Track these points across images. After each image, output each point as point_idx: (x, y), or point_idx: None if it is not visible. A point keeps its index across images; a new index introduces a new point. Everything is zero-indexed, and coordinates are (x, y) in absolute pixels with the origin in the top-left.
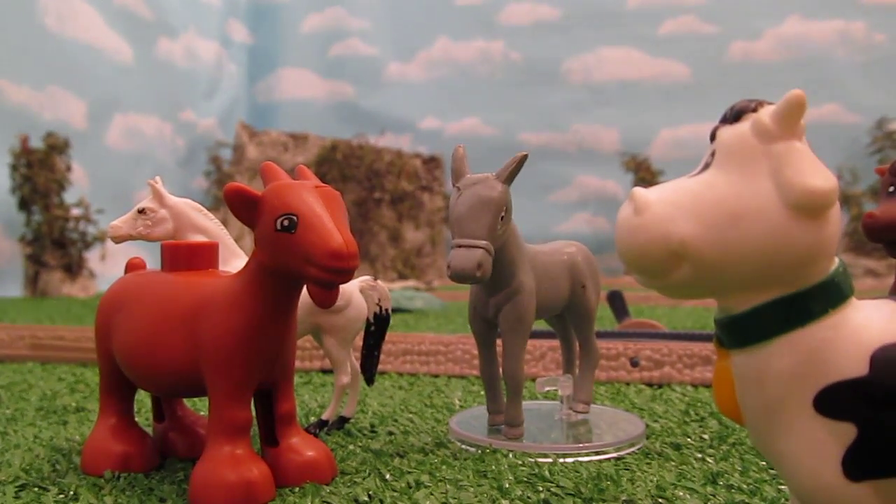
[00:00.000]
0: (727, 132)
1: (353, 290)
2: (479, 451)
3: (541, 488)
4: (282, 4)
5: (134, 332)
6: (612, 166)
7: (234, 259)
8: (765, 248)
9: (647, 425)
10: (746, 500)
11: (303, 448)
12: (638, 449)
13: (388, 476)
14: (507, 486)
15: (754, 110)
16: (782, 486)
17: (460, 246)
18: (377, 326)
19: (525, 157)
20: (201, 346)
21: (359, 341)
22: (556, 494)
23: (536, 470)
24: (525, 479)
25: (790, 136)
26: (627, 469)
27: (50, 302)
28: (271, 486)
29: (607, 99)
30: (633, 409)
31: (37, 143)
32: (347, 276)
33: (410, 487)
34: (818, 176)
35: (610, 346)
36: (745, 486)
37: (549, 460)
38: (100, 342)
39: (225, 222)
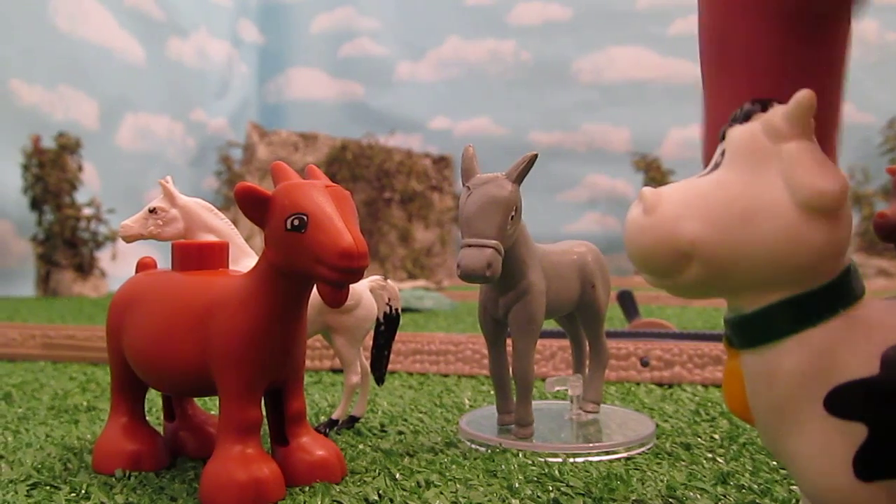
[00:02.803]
0: (737, 132)
1: (363, 289)
2: (489, 451)
3: (550, 488)
4: (292, 4)
5: (145, 331)
6: (622, 166)
7: (245, 258)
8: (775, 247)
9: (658, 425)
10: (757, 501)
11: (313, 447)
12: (648, 449)
13: (397, 475)
14: (516, 485)
15: (764, 110)
16: (793, 487)
17: (470, 245)
18: (387, 326)
19: (535, 157)
20: (211, 345)
21: (369, 341)
22: (567, 494)
23: (546, 469)
24: (535, 479)
25: (800, 135)
26: (637, 469)
27: (61, 301)
28: (281, 485)
29: (617, 99)
30: (643, 409)
31: (48, 143)
32: (357, 275)
33: (420, 487)
34: (828, 176)
35: (620, 346)
36: (755, 487)
37: (559, 460)
38: (111, 341)
39: (235, 222)
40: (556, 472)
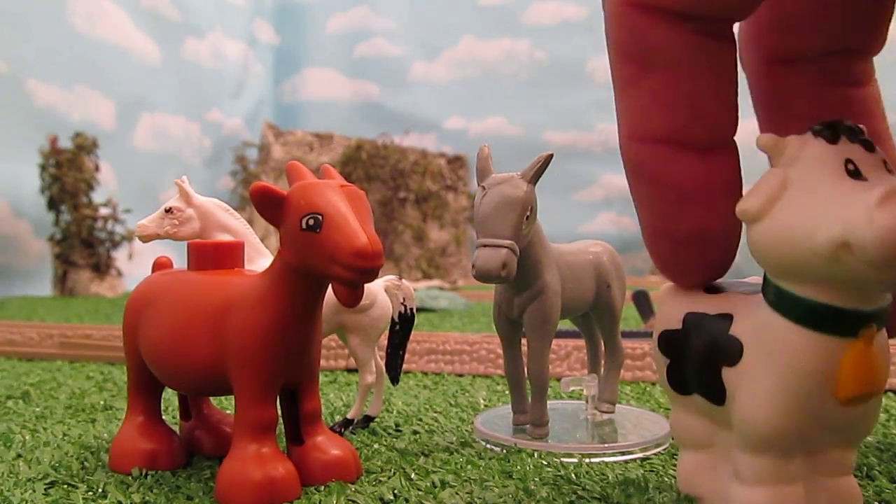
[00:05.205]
0: None
1: (377, 289)
2: (504, 451)
3: (566, 490)
4: (307, 4)
5: (161, 330)
6: None
7: (260, 258)
8: None
9: None
10: None
11: (328, 447)
12: (664, 449)
13: (413, 475)
14: (532, 487)
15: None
16: None
17: (485, 245)
18: (402, 326)
19: (550, 157)
20: (227, 344)
21: (383, 340)
22: (583, 498)
23: (562, 471)
24: (551, 481)
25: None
26: (653, 471)
27: (78, 301)
28: (297, 484)
29: None
30: (658, 410)
31: (65, 143)
32: (372, 275)
33: (435, 487)
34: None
35: (635, 346)
36: None
37: (575, 460)
38: (127, 341)
39: (251, 221)
40: (573, 474)
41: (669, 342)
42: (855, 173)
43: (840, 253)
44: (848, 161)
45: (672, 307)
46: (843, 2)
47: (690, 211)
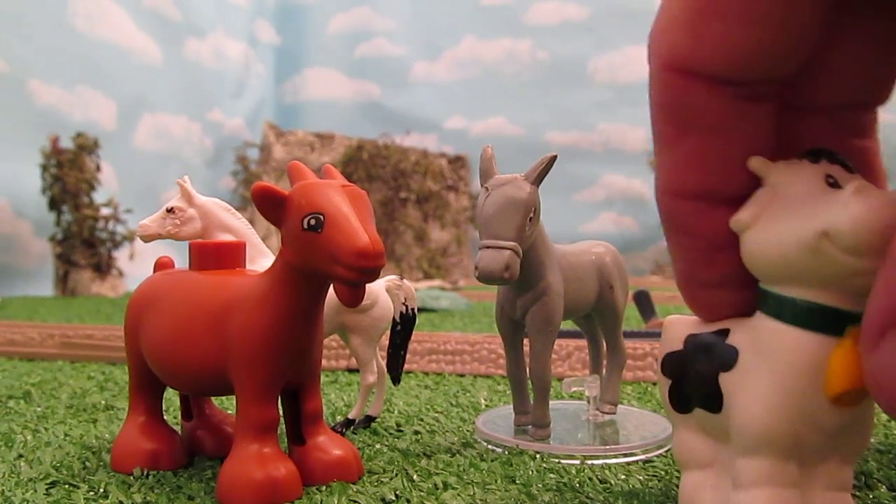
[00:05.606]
0: None
1: (379, 289)
2: (506, 452)
3: (569, 497)
4: (308, 5)
5: (162, 330)
6: (638, 166)
7: (262, 258)
8: None
9: None
10: None
11: (330, 447)
12: (666, 451)
13: (415, 476)
14: (535, 492)
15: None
16: None
17: (488, 247)
18: (403, 326)
19: (554, 158)
20: (229, 344)
21: (385, 340)
22: None
23: (565, 477)
24: (554, 487)
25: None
26: (656, 477)
27: (79, 301)
28: (298, 484)
29: (634, 98)
30: (660, 410)
31: (66, 143)
32: (373, 275)
33: (437, 488)
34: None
35: (637, 346)
36: None
37: (577, 462)
38: (129, 341)
39: (252, 221)
40: (576, 482)
41: (672, 363)
42: (835, 185)
43: (821, 242)
44: (828, 176)
45: (674, 332)
46: (865, 57)
47: (720, 259)
